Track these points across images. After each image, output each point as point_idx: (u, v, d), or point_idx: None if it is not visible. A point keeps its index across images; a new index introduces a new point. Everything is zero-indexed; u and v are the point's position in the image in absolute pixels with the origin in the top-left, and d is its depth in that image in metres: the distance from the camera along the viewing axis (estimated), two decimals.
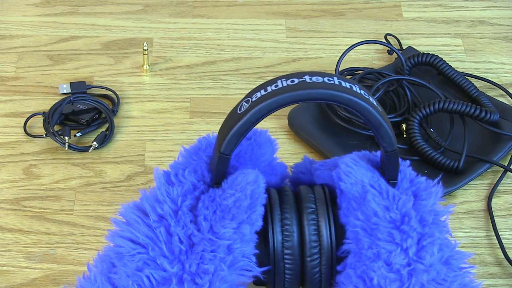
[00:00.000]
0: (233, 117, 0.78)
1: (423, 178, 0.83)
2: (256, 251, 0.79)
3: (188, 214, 0.79)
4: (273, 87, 0.77)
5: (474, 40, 1.25)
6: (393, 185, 0.81)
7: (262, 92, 0.77)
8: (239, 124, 0.77)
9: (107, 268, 0.79)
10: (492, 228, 1.01)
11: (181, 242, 0.78)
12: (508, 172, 1.06)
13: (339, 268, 0.81)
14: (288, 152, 1.09)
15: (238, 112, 0.78)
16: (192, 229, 0.78)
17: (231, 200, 0.79)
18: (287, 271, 0.81)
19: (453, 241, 0.80)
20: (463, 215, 1.03)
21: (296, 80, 0.77)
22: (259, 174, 0.81)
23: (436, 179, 0.83)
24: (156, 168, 0.82)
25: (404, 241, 0.78)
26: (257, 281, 0.82)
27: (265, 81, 0.77)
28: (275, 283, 0.82)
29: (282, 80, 0.77)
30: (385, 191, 0.80)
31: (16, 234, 0.99)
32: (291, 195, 0.83)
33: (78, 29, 1.24)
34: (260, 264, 0.80)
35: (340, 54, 1.15)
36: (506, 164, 1.07)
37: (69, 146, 1.07)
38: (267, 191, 0.83)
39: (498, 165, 1.06)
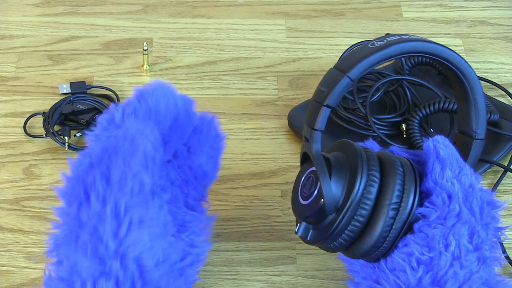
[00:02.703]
0: (365, 50, 0.80)
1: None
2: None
3: None
4: (408, 36, 0.82)
5: (474, 40, 1.25)
6: None
7: (397, 37, 0.81)
8: (374, 56, 0.79)
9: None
10: None
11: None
12: (508, 172, 1.06)
13: (415, 225, 0.80)
14: (288, 152, 1.09)
15: (371, 46, 0.80)
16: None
17: None
18: (357, 217, 0.81)
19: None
20: None
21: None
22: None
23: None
24: None
25: (488, 224, 0.80)
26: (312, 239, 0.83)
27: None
28: (332, 232, 0.81)
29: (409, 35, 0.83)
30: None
31: (16, 234, 0.99)
32: (372, 151, 0.84)
33: (78, 29, 1.24)
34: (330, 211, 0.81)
35: (340, 54, 1.15)
36: (506, 164, 1.07)
37: (69, 146, 1.07)
38: (353, 143, 0.84)
39: (498, 165, 1.06)
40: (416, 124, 1.07)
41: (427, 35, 1.25)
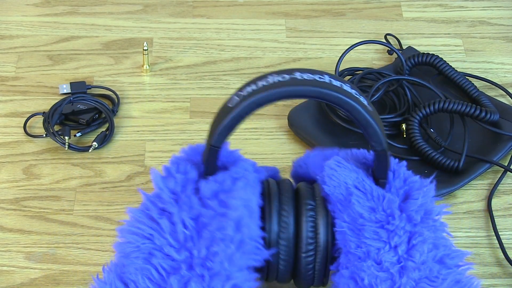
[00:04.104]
0: (224, 111, 0.79)
1: (417, 177, 0.83)
2: (263, 233, 0.80)
3: (191, 197, 0.80)
4: (263, 82, 0.78)
5: (474, 40, 1.25)
6: (383, 184, 0.82)
7: (253, 87, 0.78)
8: (230, 118, 0.78)
9: (119, 269, 0.79)
10: (492, 228, 1.01)
11: (185, 227, 0.78)
12: (508, 172, 1.06)
13: (332, 267, 0.81)
14: (288, 152, 1.09)
15: (229, 106, 0.79)
16: (199, 207, 0.79)
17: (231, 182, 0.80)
18: (281, 262, 0.82)
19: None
20: (463, 215, 1.03)
21: (287, 77, 0.78)
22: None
23: (430, 178, 0.83)
24: (152, 168, 0.82)
25: (391, 239, 0.79)
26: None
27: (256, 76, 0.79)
28: (268, 273, 0.83)
29: (273, 75, 0.78)
30: (369, 191, 0.81)
31: (16, 234, 0.99)
32: (290, 188, 0.84)
33: (78, 29, 1.24)
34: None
35: (340, 54, 1.15)
36: (506, 164, 1.07)
37: (69, 146, 1.07)
38: (266, 181, 0.84)
39: (498, 165, 1.06)
40: (416, 124, 1.07)
41: (427, 35, 1.25)
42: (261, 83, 0.78)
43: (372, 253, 0.79)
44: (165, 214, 0.79)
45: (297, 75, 0.78)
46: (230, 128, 0.79)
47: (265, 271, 0.83)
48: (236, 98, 0.79)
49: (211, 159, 0.81)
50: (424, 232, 0.80)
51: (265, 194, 0.83)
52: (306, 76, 0.78)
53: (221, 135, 0.79)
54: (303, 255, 0.81)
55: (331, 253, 0.82)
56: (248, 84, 0.79)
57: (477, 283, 0.79)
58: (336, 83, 0.78)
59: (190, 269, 0.77)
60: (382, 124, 0.80)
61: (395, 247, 0.79)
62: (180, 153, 0.85)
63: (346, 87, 0.78)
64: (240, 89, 0.79)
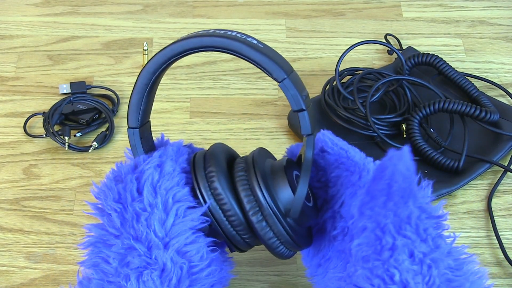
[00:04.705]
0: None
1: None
2: (189, 192, 0.81)
3: (112, 184, 0.82)
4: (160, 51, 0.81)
5: (474, 40, 1.25)
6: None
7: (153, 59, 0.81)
8: (132, 95, 0.82)
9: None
10: (492, 228, 1.01)
11: (116, 211, 0.81)
12: (508, 172, 1.06)
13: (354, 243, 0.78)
14: None
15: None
16: (115, 187, 0.82)
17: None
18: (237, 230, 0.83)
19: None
20: (463, 215, 1.03)
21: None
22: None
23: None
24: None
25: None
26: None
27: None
28: (216, 235, 0.83)
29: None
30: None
31: (16, 234, 0.99)
32: (220, 155, 0.84)
33: (78, 29, 1.24)
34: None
35: (340, 54, 1.15)
36: (506, 164, 1.07)
37: (69, 146, 1.07)
38: (197, 152, 0.86)
39: (498, 165, 1.06)
40: (416, 124, 1.07)
41: (427, 35, 1.25)
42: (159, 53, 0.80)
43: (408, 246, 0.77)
44: (105, 212, 0.82)
45: (194, 33, 0.80)
46: (136, 105, 0.82)
47: (218, 236, 0.83)
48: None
49: (133, 142, 0.83)
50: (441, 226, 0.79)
51: (191, 162, 0.84)
52: (193, 33, 0.80)
53: (131, 115, 0.82)
54: (250, 213, 0.81)
55: (279, 208, 0.81)
56: None
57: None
58: (221, 32, 0.79)
59: (127, 248, 0.79)
60: (282, 57, 0.79)
61: (426, 238, 0.77)
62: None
63: (231, 33, 0.79)
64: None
